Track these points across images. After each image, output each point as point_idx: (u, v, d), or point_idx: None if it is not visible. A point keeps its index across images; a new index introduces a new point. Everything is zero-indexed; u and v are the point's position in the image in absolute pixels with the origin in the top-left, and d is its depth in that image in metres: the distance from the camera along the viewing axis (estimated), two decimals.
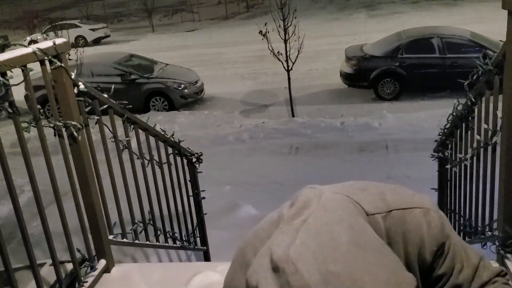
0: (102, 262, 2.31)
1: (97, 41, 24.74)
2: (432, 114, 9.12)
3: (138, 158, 2.69)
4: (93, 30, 25.10)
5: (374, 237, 0.77)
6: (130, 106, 2.49)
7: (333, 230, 0.74)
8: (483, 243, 2.33)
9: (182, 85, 11.32)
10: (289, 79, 9.71)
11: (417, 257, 0.89)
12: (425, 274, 0.91)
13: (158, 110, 11.11)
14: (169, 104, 11.26)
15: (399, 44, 10.48)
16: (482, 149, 2.41)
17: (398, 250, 0.86)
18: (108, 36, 25.84)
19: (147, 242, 2.76)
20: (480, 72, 2.23)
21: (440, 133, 3.31)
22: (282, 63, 9.52)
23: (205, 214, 4.00)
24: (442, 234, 0.90)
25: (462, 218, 2.96)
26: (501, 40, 10.46)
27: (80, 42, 23.06)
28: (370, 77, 10.39)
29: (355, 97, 10.72)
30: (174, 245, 3.22)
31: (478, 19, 16.93)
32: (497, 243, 2.14)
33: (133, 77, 11.17)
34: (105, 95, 2.27)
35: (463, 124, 2.73)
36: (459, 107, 2.75)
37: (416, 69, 10.22)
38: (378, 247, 0.74)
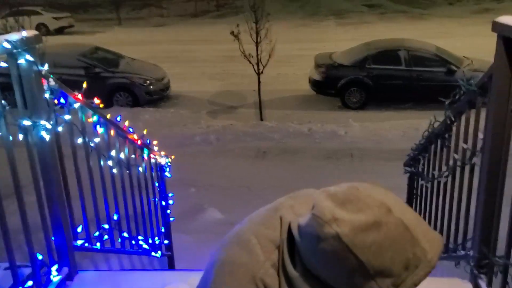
0: (65, 270, 2.17)
1: (60, 31, 23.90)
2: (396, 125, 9.28)
3: (107, 161, 2.56)
4: (56, 19, 24.24)
5: None
6: (102, 105, 2.36)
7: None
8: (456, 262, 2.33)
9: (148, 81, 11.07)
10: (259, 82, 9.66)
11: None
12: None
13: (121, 106, 10.81)
14: (133, 100, 10.98)
15: (367, 55, 10.62)
16: (458, 168, 2.42)
17: None
18: (72, 26, 25.04)
19: (113, 248, 2.63)
20: (462, 92, 2.23)
21: (413, 148, 3.33)
22: (253, 65, 9.46)
23: (173, 219, 3.88)
24: None
25: None
26: (464, 56, 10.86)
27: (41, 30, 22.24)
28: (338, 85, 10.47)
29: (322, 104, 10.78)
30: (140, 250, 3.09)
31: (442, 33, 17.41)
32: (472, 263, 2.14)
33: (97, 70, 10.84)
34: (77, 93, 2.13)
35: (439, 141, 2.74)
36: (436, 124, 2.75)
37: (383, 80, 10.38)
38: None
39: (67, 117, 2.11)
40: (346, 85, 10.48)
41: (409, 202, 3.61)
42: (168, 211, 3.85)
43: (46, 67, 1.87)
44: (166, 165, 3.71)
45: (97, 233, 2.51)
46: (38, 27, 22.26)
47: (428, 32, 17.17)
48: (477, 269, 2.11)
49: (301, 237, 0.86)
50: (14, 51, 1.76)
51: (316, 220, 0.80)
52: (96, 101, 2.33)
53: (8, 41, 1.72)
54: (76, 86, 2.25)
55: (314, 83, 10.89)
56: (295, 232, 0.89)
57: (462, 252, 2.32)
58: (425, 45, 10.88)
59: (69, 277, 2.19)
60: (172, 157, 3.76)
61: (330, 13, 26.49)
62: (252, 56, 9.32)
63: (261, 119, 9.66)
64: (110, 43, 15.83)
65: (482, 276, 2.11)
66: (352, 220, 0.78)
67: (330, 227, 0.78)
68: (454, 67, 10.07)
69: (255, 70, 9.55)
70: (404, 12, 25.64)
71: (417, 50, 10.51)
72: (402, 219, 0.79)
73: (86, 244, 2.38)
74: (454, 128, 2.50)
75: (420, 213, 3.32)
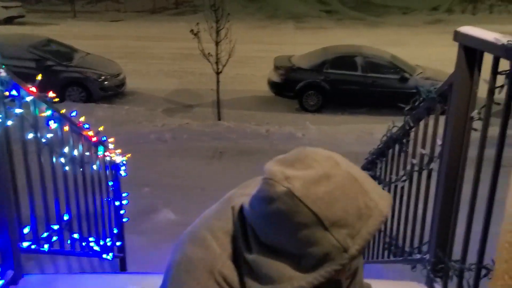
0: (9, 274, 2.04)
1: (9, 21, 22.84)
2: (351, 129, 9.46)
3: (60, 158, 2.43)
4: (5, 8, 23.18)
5: None
6: (57, 99, 2.24)
7: None
8: (412, 266, 2.37)
9: (103, 77, 10.76)
10: (218, 81, 9.58)
11: None
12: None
13: (74, 101, 10.45)
14: (87, 95, 10.65)
15: (325, 59, 10.78)
16: (416, 173, 2.46)
17: None
18: (23, 16, 23.97)
19: (62, 250, 2.51)
20: (422, 98, 2.27)
21: (371, 152, 3.37)
22: (212, 64, 9.38)
23: (126, 220, 3.76)
24: None
25: (388, 237, 3.02)
26: (417, 65, 11.22)
27: None
28: (296, 88, 10.57)
29: (280, 106, 10.83)
30: (90, 252, 2.97)
31: (396, 41, 17.91)
32: (428, 267, 2.17)
33: (49, 63, 10.44)
34: (30, 86, 2.01)
35: (397, 146, 2.79)
36: (394, 129, 2.79)
37: (339, 84, 10.56)
38: None
39: (19, 110, 1.98)
40: (304, 88, 10.59)
41: None
42: (122, 211, 3.73)
43: None
44: (122, 164, 3.60)
45: (45, 234, 2.38)
46: None
47: (382, 40, 17.63)
48: (433, 273, 2.14)
49: (253, 207, 0.85)
50: None
51: (267, 182, 0.81)
52: (51, 94, 2.20)
53: None
54: (27, 79, 2.11)
55: (273, 85, 10.94)
56: (246, 208, 0.89)
57: (418, 256, 2.35)
58: (381, 53, 11.18)
59: (13, 281, 2.05)
60: (128, 155, 3.65)
61: (288, 16, 26.71)
62: (212, 55, 9.24)
63: (219, 119, 9.59)
64: (63, 36, 15.28)
65: (438, 279, 2.15)
66: (302, 175, 0.80)
67: (281, 185, 0.79)
68: (407, 75, 10.39)
69: (214, 70, 9.48)
70: (360, 20, 26.23)
71: (373, 57, 10.77)
72: (350, 171, 0.83)
73: (33, 246, 2.25)
74: (412, 134, 2.55)
75: None
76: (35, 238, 2.24)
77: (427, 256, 2.22)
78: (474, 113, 1.83)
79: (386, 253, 3.06)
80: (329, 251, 0.78)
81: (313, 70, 10.64)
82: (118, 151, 3.54)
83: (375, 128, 8.79)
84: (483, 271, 1.79)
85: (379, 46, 12.46)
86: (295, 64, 10.93)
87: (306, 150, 0.86)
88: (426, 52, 15.71)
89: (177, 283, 0.92)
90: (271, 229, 0.82)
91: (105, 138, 3.25)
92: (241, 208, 0.92)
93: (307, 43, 16.01)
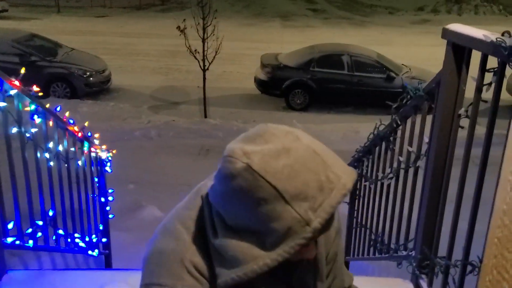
0: None
1: None
2: (337, 127, 9.52)
3: (44, 153, 2.40)
4: None
5: None
6: (42, 93, 2.20)
7: None
8: (398, 262, 2.38)
9: (88, 73, 10.66)
10: (204, 79, 9.55)
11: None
12: (330, 248, 1.08)
13: (58, 97, 10.33)
14: (71, 91, 10.54)
15: (312, 58, 10.79)
16: (402, 170, 2.48)
17: None
18: (6, 10, 23.61)
19: (47, 246, 2.47)
20: (409, 96, 2.28)
21: (357, 149, 3.39)
22: (199, 61, 9.34)
23: (112, 217, 3.73)
24: (340, 223, 1.13)
25: (373, 234, 3.04)
26: (403, 64, 11.30)
27: None
28: (283, 86, 10.57)
29: (267, 104, 10.83)
30: (76, 249, 2.93)
31: (382, 41, 18.05)
32: (413, 264, 2.19)
33: (33, 58, 10.30)
34: (14, 79, 1.97)
35: (384, 143, 2.80)
36: (381, 127, 2.81)
37: (326, 83, 10.59)
38: None
39: (2, 104, 1.94)
40: (290, 86, 10.61)
41: (352, 202, 3.68)
42: (108, 207, 3.69)
43: None
44: (107, 160, 3.56)
45: (30, 230, 2.34)
46: None
47: (369, 39, 17.74)
48: (419, 269, 2.16)
49: (215, 188, 0.85)
50: None
51: (226, 160, 0.80)
52: (35, 89, 2.17)
53: None
54: (10, 75, 2.08)
55: (259, 83, 10.93)
56: (210, 191, 0.89)
57: (404, 253, 2.37)
58: (367, 52, 11.22)
59: None
60: (114, 151, 3.61)
61: (275, 14, 26.73)
62: (198, 52, 9.19)
63: (205, 116, 9.56)
64: (47, 30, 15.11)
65: (423, 276, 2.17)
66: (261, 150, 0.79)
67: (240, 161, 0.78)
68: (393, 74, 10.45)
69: (200, 67, 9.44)
70: (347, 19, 26.35)
71: (359, 56, 10.80)
72: (311, 145, 0.82)
73: (18, 242, 2.22)
74: (399, 132, 2.56)
75: (362, 213, 3.39)
76: (20, 233, 2.20)
77: (413, 253, 2.23)
78: (462, 111, 1.85)
79: (371, 250, 3.08)
80: (291, 225, 0.77)
81: (299, 69, 10.65)
82: (104, 147, 3.50)
83: (361, 127, 8.86)
84: (469, 268, 1.80)
85: (365, 45, 12.52)
86: (281, 62, 10.92)
87: (266, 126, 0.85)
88: (412, 51, 15.85)
89: (150, 275, 0.92)
90: (234, 207, 0.81)
91: (90, 134, 3.22)
92: (207, 195, 0.92)
93: (294, 41, 16.04)
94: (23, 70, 2.07)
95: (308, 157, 0.79)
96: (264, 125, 0.86)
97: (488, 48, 1.51)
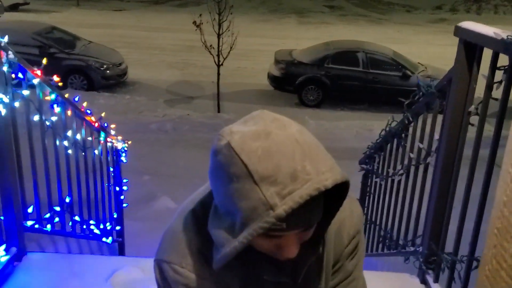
0: (13, 250, 2.09)
1: (14, 7, 22.80)
2: (350, 125, 9.49)
3: (63, 141, 2.47)
4: None
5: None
6: (61, 83, 2.27)
7: None
8: (406, 258, 2.42)
9: (105, 66, 10.78)
10: (218, 74, 9.60)
11: (335, 236, 1.03)
12: (340, 256, 1.06)
13: (76, 89, 10.48)
14: (88, 83, 10.67)
15: (327, 54, 10.76)
16: (413, 167, 2.50)
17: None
18: (28, 3, 23.92)
19: (64, 231, 2.55)
20: (421, 93, 2.31)
21: (369, 146, 3.41)
22: (214, 57, 9.39)
23: (126, 206, 3.81)
24: (360, 224, 1.07)
25: (382, 230, 3.06)
26: (419, 63, 11.20)
27: None
28: (296, 82, 10.58)
29: (280, 100, 10.84)
30: (91, 235, 3.01)
31: (399, 39, 17.91)
32: (420, 259, 2.22)
33: (52, 50, 10.45)
34: (36, 69, 2.05)
35: (395, 140, 2.82)
36: (393, 124, 2.83)
37: (340, 79, 10.56)
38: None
39: (25, 92, 2.02)
40: (304, 83, 10.60)
41: (363, 198, 3.71)
42: (122, 197, 3.77)
43: (6, 39, 1.78)
44: (123, 150, 3.63)
45: (48, 215, 2.42)
46: None
47: (385, 37, 17.63)
48: (426, 265, 2.19)
49: (209, 169, 0.87)
50: None
51: (216, 137, 0.83)
52: (55, 79, 2.24)
53: None
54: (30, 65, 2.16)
55: (273, 79, 10.95)
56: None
57: (412, 248, 2.40)
58: (383, 49, 11.15)
59: (17, 258, 2.11)
60: (129, 142, 3.68)
61: (291, 11, 26.65)
62: (213, 48, 9.24)
63: (219, 111, 9.62)
64: (66, 23, 15.28)
65: (430, 271, 2.20)
66: (244, 130, 0.80)
67: (225, 138, 0.80)
68: (409, 72, 10.38)
69: (215, 62, 9.49)
70: (364, 16, 26.18)
71: (375, 53, 10.74)
72: (295, 134, 0.80)
73: (36, 226, 2.30)
74: (410, 129, 2.59)
75: (372, 210, 3.42)
76: (39, 218, 2.28)
77: (420, 249, 2.26)
78: (472, 108, 1.87)
79: (380, 246, 3.12)
80: (256, 206, 0.77)
81: (314, 65, 10.63)
82: (119, 137, 3.58)
83: (374, 125, 8.83)
84: (474, 263, 1.83)
85: (381, 43, 12.44)
86: (296, 58, 10.92)
87: (262, 111, 0.86)
88: (428, 50, 15.72)
89: (162, 252, 0.98)
90: (216, 184, 0.83)
91: (106, 125, 3.29)
92: None
93: (310, 38, 16.00)
94: (44, 61, 2.14)
95: (287, 144, 0.78)
96: (260, 110, 0.88)
97: (499, 46, 1.53)
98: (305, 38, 16.02)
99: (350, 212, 1.05)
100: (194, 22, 9.07)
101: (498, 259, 1.08)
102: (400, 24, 23.58)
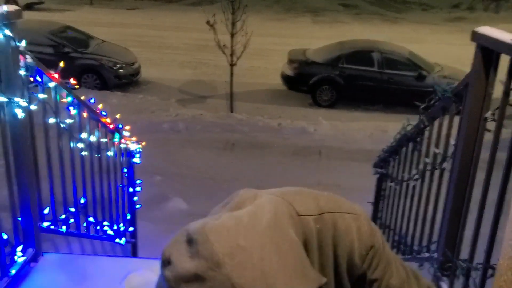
0: (30, 251, 2.11)
1: (29, 7, 23.07)
2: (364, 126, 9.43)
3: (78, 143, 2.50)
4: None
5: (291, 235, 0.80)
6: (77, 86, 2.29)
7: (256, 217, 0.78)
8: (420, 264, 2.40)
9: (118, 65, 10.86)
10: (231, 73, 9.61)
11: (346, 260, 0.93)
12: (359, 278, 0.96)
13: (89, 88, 10.56)
14: (101, 83, 10.76)
15: (341, 54, 10.69)
16: (428, 172, 2.48)
17: (328, 252, 0.90)
18: (42, 2, 24.20)
19: (78, 232, 2.58)
20: (437, 97, 2.28)
21: (384, 149, 3.39)
22: (227, 56, 9.40)
23: (139, 207, 3.83)
24: (372, 239, 0.96)
25: (397, 235, 3.04)
26: (435, 63, 11.04)
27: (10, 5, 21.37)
28: (310, 82, 10.53)
29: (293, 100, 10.81)
30: (104, 236, 3.04)
31: (415, 38, 17.74)
32: (435, 265, 2.20)
33: (66, 50, 10.56)
34: (53, 72, 2.07)
35: (410, 144, 2.80)
36: (408, 128, 2.81)
37: (354, 80, 10.48)
38: (292, 243, 0.78)
39: (42, 95, 2.04)
40: (318, 83, 10.55)
41: (376, 203, 3.69)
42: (135, 198, 3.79)
43: (23, 43, 1.80)
44: (136, 151, 3.65)
45: (63, 216, 2.45)
46: (7, 1, 21.43)
47: (401, 36, 17.46)
48: (440, 271, 2.17)
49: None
50: None
51: (161, 257, 0.80)
52: (72, 81, 2.26)
53: None
54: (45, 65, 2.18)
55: (286, 79, 10.92)
56: None
57: (427, 254, 2.38)
58: (398, 49, 11.02)
59: (33, 259, 2.13)
60: (143, 143, 3.70)
61: (306, 10, 26.54)
62: (227, 47, 9.25)
63: (231, 111, 9.63)
64: (79, 22, 15.38)
65: (445, 278, 2.18)
66: (178, 267, 0.74)
67: (164, 268, 0.77)
68: (425, 73, 10.25)
69: (228, 61, 9.50)
70: (379, 15, 25.98)
71: (390, 53, 10.64)
72: (232, 277, 0.71)
73: (52, 227, 2.33)
74: (426, 133, 2.56)
75: (387, 214, 3.40)
76: (54, 219, 2.31)
77: (435, 255, 2.24)
78: (488, 114, 1.85)
79: (394, 251, 3.10)
80: None
81: (328, 65, 10.57)
82: (133, 138, 3.60)
83: (389, 126, 8.76)
84: (490, 271, 1.81)
85: (397, 42, 12.30)
86: (309, 58, 10.87)
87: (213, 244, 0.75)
88: (445, 50, 15.54)
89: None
90: None
91: (121, 126, 3.31)
92: None
93: (324, 37, 15.92)
94: (62, 64, 2.16)
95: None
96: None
97: None
98: (319, 37, 15.94)
99: (357, 231, 0.94)
100: (208, 22, 9.08)
101: None
102: (416, 23, 23.35)
